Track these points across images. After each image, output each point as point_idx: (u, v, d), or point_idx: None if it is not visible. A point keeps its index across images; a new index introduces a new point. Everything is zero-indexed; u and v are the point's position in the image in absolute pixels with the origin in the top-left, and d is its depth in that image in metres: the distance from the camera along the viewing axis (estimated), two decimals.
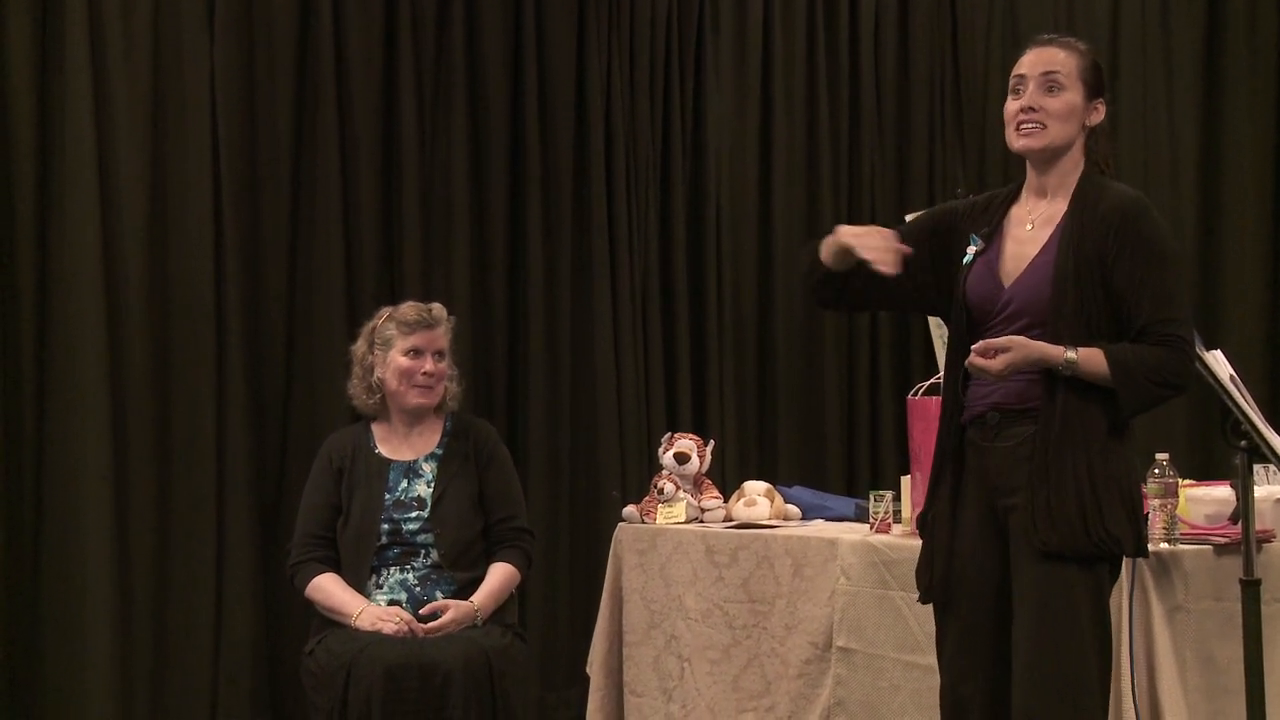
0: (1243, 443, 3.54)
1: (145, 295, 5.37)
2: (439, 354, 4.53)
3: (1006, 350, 3.22)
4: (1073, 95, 3.35)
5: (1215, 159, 6.86)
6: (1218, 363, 3.58)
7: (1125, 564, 3.73)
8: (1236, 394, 3.54)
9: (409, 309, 4.58)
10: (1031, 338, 3.26)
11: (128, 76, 5.35)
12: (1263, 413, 3.61)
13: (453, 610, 4.31)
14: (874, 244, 3.33)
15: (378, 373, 4.53)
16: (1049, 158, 3.38)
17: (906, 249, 3.33)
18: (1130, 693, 3.71)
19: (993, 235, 3.41)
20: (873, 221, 6.42)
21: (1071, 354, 3.20)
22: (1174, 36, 6.84)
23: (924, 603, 3.50)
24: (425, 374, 4.49)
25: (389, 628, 4.24)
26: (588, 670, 5.00)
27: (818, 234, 6.17)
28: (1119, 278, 3.23)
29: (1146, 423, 6.26)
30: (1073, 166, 3.38)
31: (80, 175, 5.26)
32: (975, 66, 6.69)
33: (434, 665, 4.15)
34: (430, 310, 4.57)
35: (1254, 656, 3.56)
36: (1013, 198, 3.46)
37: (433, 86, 5.82)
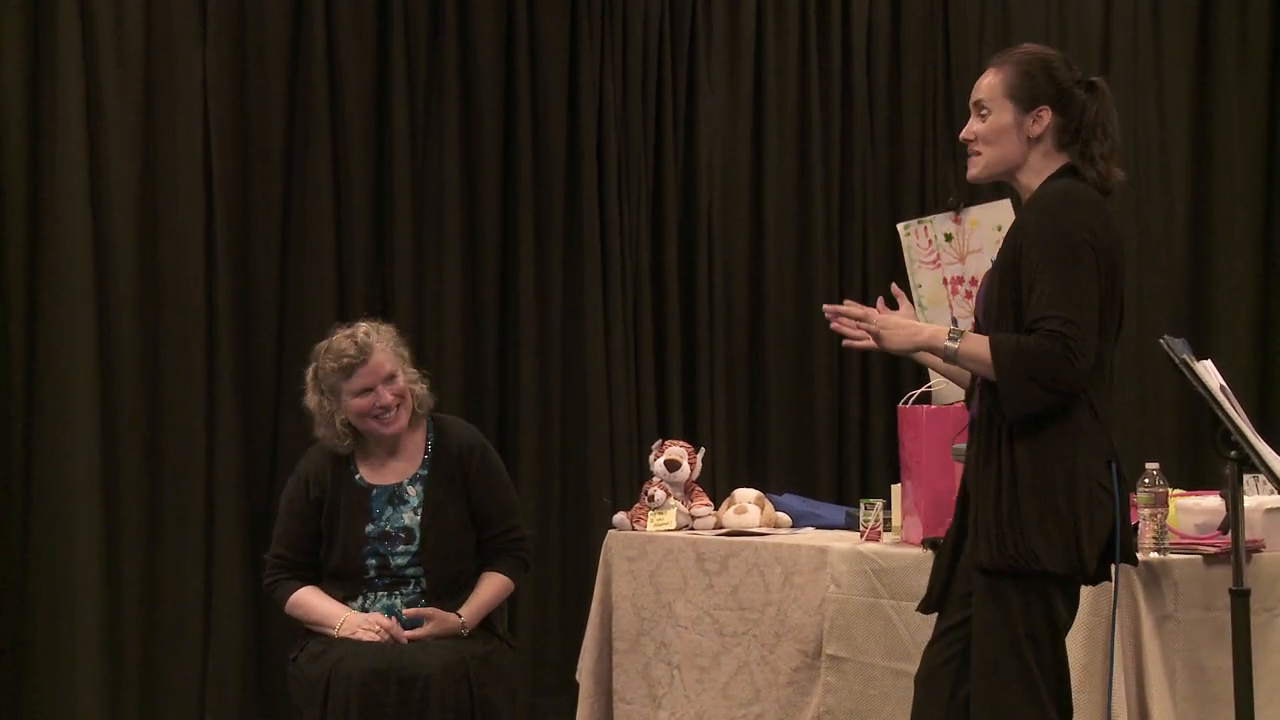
0: (1233, 453, 3.54)
1: (136, 300, 5.37)
2: (389, 378, 4.30)
3: (884, 325, 3.39)
4: (999, 115, 3.38)
5: (1206, 161, 6.84)
6: (1208, 372, 3.57)
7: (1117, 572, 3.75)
8: (1226, 404, 3.54)
9: (337, 354, 4.28)
10: None
11: (119, 79, 5.35)
12: (1253, 422, 3.61)
13: (434, 624, 4.25)
14: None
15: (339, 417, 4.33)
16: (1002, 177, 3.44)
17: None
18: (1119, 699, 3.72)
19: None
20: (863, 230, 6.42)
21: (951, 343, 3.27)
22: (1165, 39, 6.83)
23: (922, 611, 3.53)
24: (382, 407, 4.29)
25: (369, 635, 4.20)
26: (577, 677, 4.99)
27: (809, 240, 6.28)
28: (1023, 275, 3.25)
29: (1136, 432, 6.37)
30: (1035, 176, 3.39)
31: (71, 179, 5.25)
32: (968, 74, 6.66)
33: (413, 674, 4.10)
34: (357, 344, 4.28)
35: (1243, 667, 3.56)
36: None
37: (425, 91, 5.82)
